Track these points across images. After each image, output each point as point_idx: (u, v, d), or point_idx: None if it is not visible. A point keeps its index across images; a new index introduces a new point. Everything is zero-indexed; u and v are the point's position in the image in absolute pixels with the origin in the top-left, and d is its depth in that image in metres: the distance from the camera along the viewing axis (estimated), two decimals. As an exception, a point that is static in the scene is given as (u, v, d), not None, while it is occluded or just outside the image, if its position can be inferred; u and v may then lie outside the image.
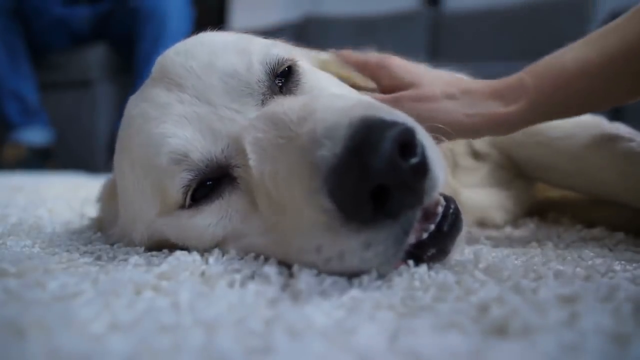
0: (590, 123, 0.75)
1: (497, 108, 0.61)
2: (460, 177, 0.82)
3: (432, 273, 0.46)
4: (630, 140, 0.68)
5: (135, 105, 0.57)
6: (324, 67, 0.67)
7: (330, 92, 0.58)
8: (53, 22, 2.64)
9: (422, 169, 0.42)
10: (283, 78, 0.56)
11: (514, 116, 0.60)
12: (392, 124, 0.41)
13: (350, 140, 0.40)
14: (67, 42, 2.73)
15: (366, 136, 0.40)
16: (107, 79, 2.76)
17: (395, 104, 0.62)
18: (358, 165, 0.39)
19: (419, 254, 0.46)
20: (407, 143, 0.40)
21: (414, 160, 0.41)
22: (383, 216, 0.41)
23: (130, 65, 2.54)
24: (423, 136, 0.44)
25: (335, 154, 0.40)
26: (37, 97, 2.60)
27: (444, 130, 0.58)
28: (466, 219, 0.54)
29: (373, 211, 0.40)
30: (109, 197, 0.67)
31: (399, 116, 0.44)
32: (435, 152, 0.45)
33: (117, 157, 0.60)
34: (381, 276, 0.44)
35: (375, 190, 0.39)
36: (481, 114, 0.61)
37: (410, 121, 0.45)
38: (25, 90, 2.56)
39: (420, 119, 0.48)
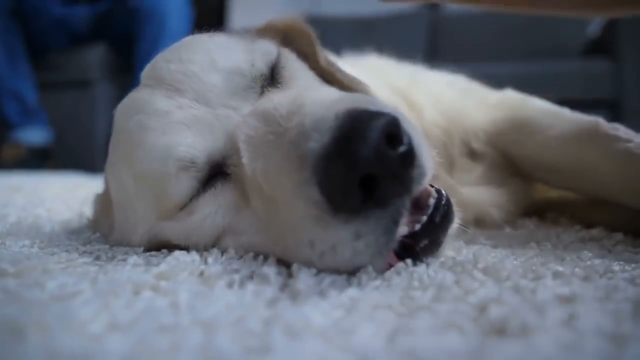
0: (589, 123, 0.75)
1: None
2: (457, 176, 0.82)
3: (431, 273, 0.46)
4: (629, 140, 0.68)
5: (130, 116, 0.56)
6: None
7: (315, 84, 0.60)
8: (52, 22, 2.63)
9: (410, 157, 0.42)
10: (277, 73, 0.57)
11: None
12: (379, 115, 0.41)
13: (337, 131, 0.41)
14: (67, 42, 2.72)
15: (353, 127, 0.40)
16: (107, 79, 2.76)
17: None
18: (346, 155, 0.39)
19: (411, 245, 0.46)
20: (393, 133, 0.41)
21: (401, 148, 0.41)
22: (372, 205, 0.42)
23: (130, 65, 2.53)
24: (409, 126, 0.44)
25: (323, 145, 0.41)
26: (37, 97, 2.60)
27: None
28: (464, 217, 0.54)
29: (362, 201, 0.41)
30: (103, 208, 0.67)
31: (386, 107, 0.45)
32: (422, 141, 0.45)
33: (114, 170, 0.59)
34: (380, 276, 0.44)
35: (363, 179, 0.40)
36: None
37: (396, 112, 0.45)
38: (24, 90, 2.55)
39: None
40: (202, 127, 0.52)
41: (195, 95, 0.53)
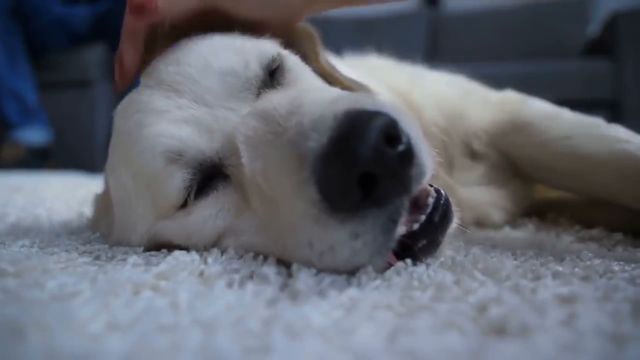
0: (589, 124, 0.75)
1: None
2: (456, 177, 0.82)
3: (431, 273, 0.46)
4: (628, 141, 0.68)
5: (129, 116, 0.56)
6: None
7: (318, 86, 0.60)
8: (52, 22, 2.64)
9: (408, 156, 0.42)
10: (275, 72, 0.57)
11: None
12: (377, 114, 0.41)
13: (335, 130, 0.41)
14: (66, 42, 2.73)
15: (351, 126, 0.41)
16: (106, 79, 2.76)
17: None
18: (344, 155, 0.40)
19: (410, 245, 0.46)
20: (392, 132, 0.41)
21: (399, 147, 0.41)
22: (370, 205, 0.42)
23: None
24: (408, 125, 0.44)
25: (321, 145, 0.41)
26: (36, 97, 2.60)
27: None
28: (464, 217, 0.54)
29: (360, 200, 0.41)
30: (103, 209, 0.67)
31: (385, 107, 0.45)
32: (421, 140, 0.45)
33: (113, 169, 0.59)
34: (379, 276, 0.44)
35: (362, 178, 0.40)
36: None
37: (396, 111, 0.45)
38: (24, 90, 2.56)
39: None
40: (198, 125, 0.52)
41: (194, 97, 0.54)
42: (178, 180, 0.51)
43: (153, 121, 0.53)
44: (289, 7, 0.65)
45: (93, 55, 2.71)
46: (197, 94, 0.54)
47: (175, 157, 0.51)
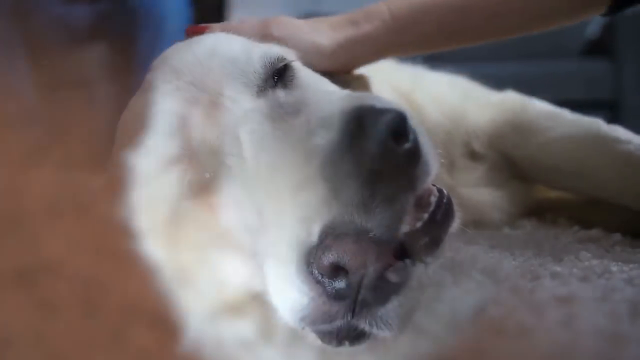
0: (589, 124, 0.75)
1: (352, 31, 0.68)
2: (457, 177, 0.82)
3: (430, 273, 0.46)
4: (628, 142, 0.69)
5: (133, 100, 0.58)
6: None
7: (324, 88, 0.60)
8: (52, 22, 2.64)
9: (415, 154, 0.42)
10: (280, 75, 0.58)
11: (367, 37, 0.67)
12: (385, 111, 0.41)
13: (344, 127, 0.41)
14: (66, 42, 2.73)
15: (359, 123, 0.41)
16: (107, 79, 2.76)
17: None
18: (352, 151, 0.40)
19: (412, 243, 0.46)
20: (400, 129, 0.41)
21: (407, 145, 0.41)
22: (376, 202, 0.42)
23: (130, 65, 2.53)
24: (415, 123, 0.44)
25: (329, 141, 0.41)
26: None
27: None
28: (464, 218, 0.54)
29: (368, 197, 0.41)
30: None
31: (391, 104, 0.45)
32: (427, 139, 0.45)
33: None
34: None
35: (369, 175, 0.40)
36: (336, 37, 0.68)
37: (402, 108, 0.45)
38: (24, 89, 2.56)
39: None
40: (199, 107, 0.52)
41: (193, 79, 0.54)
42: (164, 144, 0.51)
43: (149, 96, 0.54)
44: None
45: (93, 55, 2.71)
46: (196, 76, 0.54)
47: (173, 131, 0.51)
